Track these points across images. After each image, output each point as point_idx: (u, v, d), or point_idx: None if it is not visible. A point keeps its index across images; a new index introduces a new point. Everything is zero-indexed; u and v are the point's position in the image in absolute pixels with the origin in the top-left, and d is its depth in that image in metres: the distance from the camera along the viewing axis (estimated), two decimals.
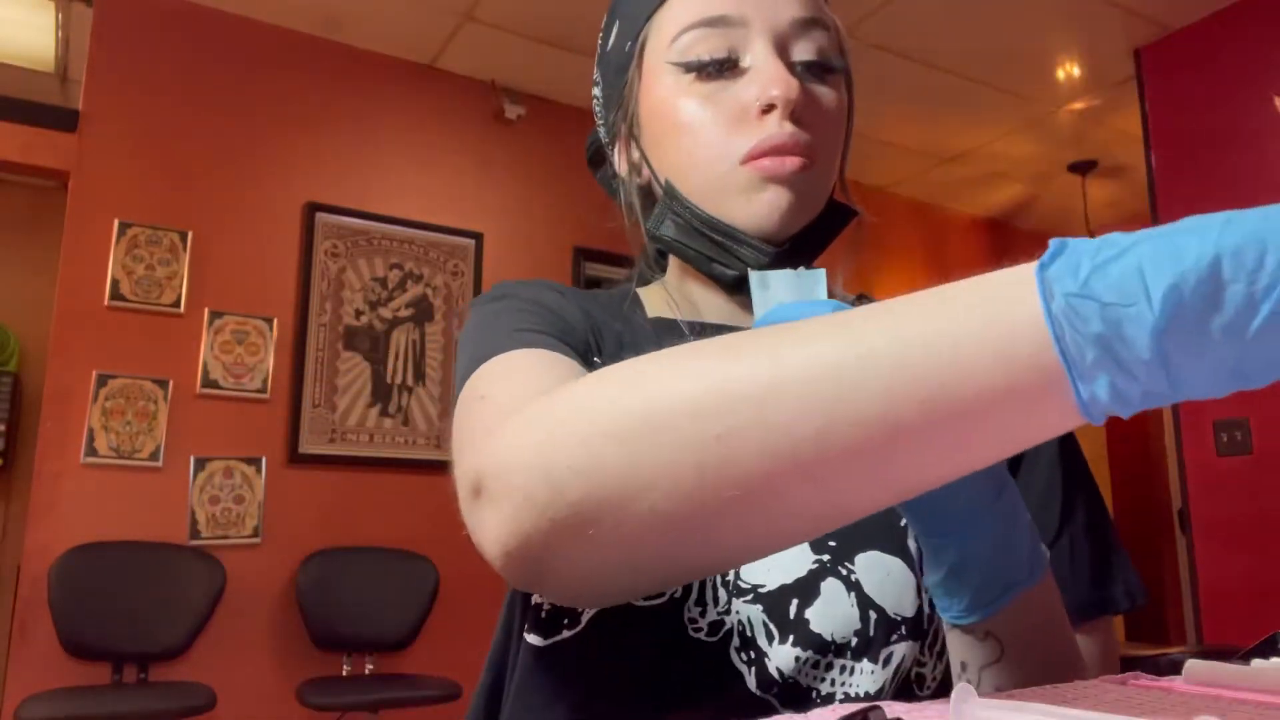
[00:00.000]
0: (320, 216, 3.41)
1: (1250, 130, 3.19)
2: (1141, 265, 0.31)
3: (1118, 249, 0.32)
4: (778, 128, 0.59)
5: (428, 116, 3.71)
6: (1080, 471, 0.64)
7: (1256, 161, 3.17)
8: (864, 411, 0.34)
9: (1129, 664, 0.53)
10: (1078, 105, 4.03)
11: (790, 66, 0.61)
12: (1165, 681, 0.42)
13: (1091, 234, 4.68)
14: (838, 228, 0.65)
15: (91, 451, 2.90)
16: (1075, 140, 4.37)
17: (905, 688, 0.55)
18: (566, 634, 0.57)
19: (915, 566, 0.57)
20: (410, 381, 3.48)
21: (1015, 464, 0.62)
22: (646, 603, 0.56)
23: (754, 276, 0.51)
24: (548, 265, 3.76)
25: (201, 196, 3.22)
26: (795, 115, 0.60)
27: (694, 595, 0.57)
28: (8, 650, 2.82)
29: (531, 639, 0.59)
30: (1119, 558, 0.62)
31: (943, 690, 0.56)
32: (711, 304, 0.67)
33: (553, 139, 3.84)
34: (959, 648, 0.49)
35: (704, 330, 0.66)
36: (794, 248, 0.62)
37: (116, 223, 3.06)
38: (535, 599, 0.59)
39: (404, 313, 3.52)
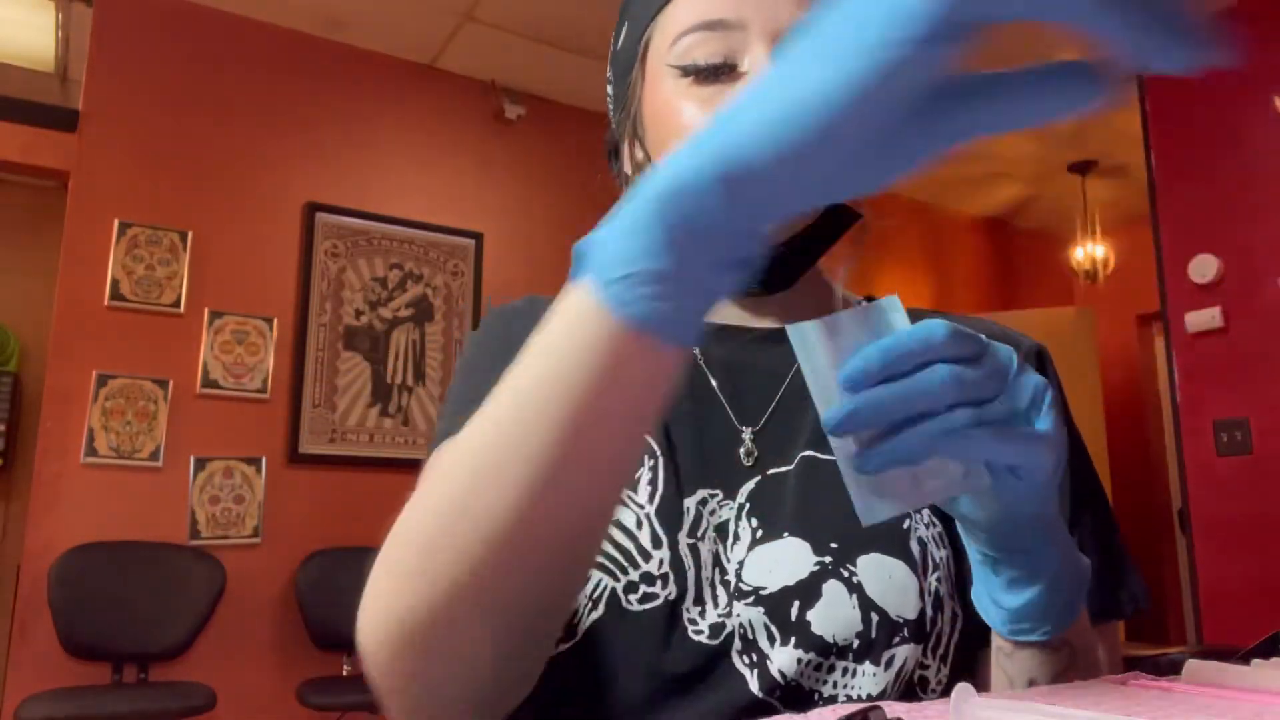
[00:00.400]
0: (320, 216, 3.41)
1: (1250, 130, 3.19)
2: (635, 218, 0.35)
3: (618, 215, 0.36)
4: None
5: (428, 116, 3.71)
6: (1087, 476, 0.64)
7: (1256, 161, 3.17)
8: (538, 451, 0.38)
9: (1129, 664, 0.53)
10: None
11: None
12: (1165, 681, 0.42)
13: (1092, 235, 4.69)
14: (839, 230, 0.65)
15: (91, 451, 2.90)
16: (1075, 140, 4.37)
17: (909, 691, 0.55)
18: (563, 647, 0.57)
19: (918, 569, 0.56)
20: (410, 381, 3.48)
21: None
22: (642, 607, 0.56)
23: (794, 332, 0.42)
24: (548, 265, 3.76)
25: (201, 196, 3.22)
26: None
27: (691, 594, 0.57)
28: (8, 650, 2.83)
29: None
30: (1125, 563, 0.62)
31: (948, 694, 0.55)
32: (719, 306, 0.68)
33: (553, 139, 3.84)
34: (1029, 665, 0.48)
35: (714, 334, 0.67)
36: (789, 251, 0.62)
37: (116, 223, 3.06)
38: None
39: (404, 313, 3.52)
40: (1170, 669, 0.43)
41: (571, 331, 0.37)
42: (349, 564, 3.16)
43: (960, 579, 0.58)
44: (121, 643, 2.79)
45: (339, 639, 3.09)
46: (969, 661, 0.58)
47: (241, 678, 2.97)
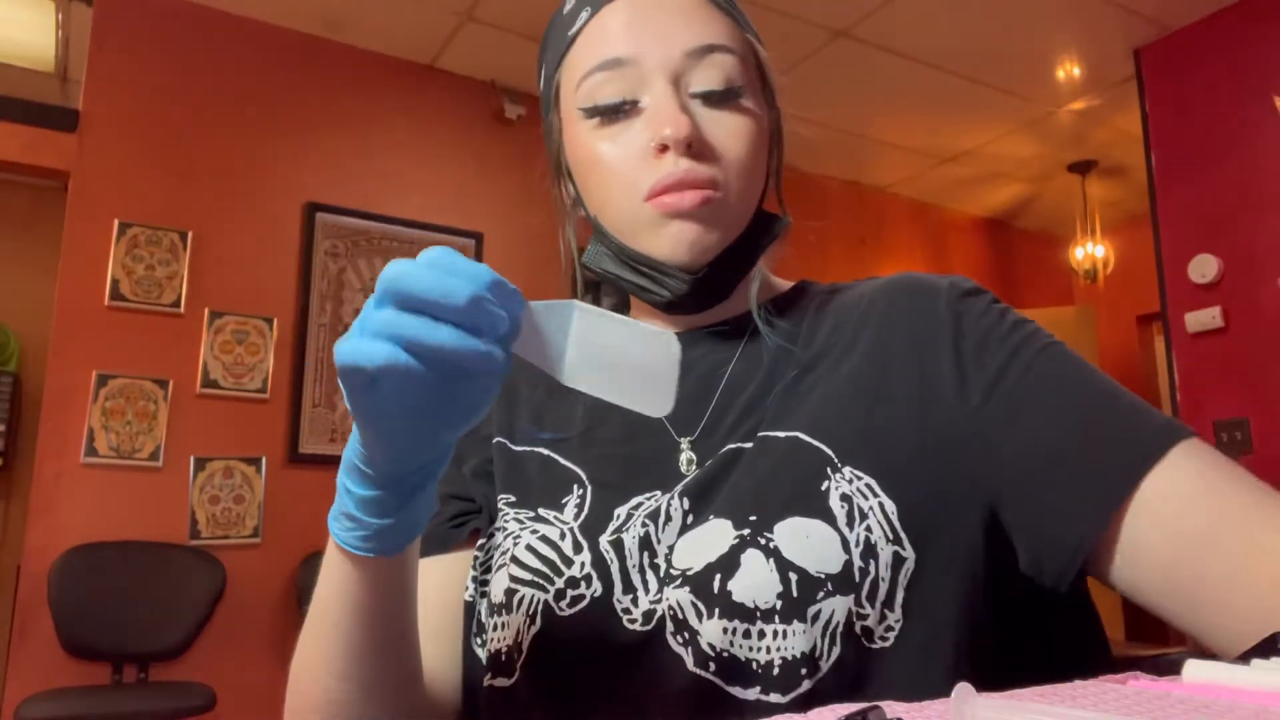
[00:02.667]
0: (320, 216, 3.41)
1: (1250, 130, 3.19)
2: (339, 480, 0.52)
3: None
4: (674, 165, 0.62)
5: (428, 116, 3.71)
6: (1074, 370, 0.60)
7: (1256, 161, 3.17)
8: (323, 636, 0.56)
9: (1129, 664, 0.53)
10: (1078, 105, 4.04)
11: (686, 100, 0.63)
12: (1165, 681, 0.42)
13: (1092, 235, 4.69)
14: (765, 240, 0.68)
15: (91, 451, 2.91)
16: (1075, 140, 4.37)
17: (849, 642, 0.54)
18: (504, 682, 0.61)
19: (838, 523, 0.56)
20: None
21: (1011, 428, 0.59)
22: (573, 610, 0.59)
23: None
24: (548, 265, 3.76)
25: (201, 196, 3.22)
26: (693, 150, 0.62)
27: (619, 585, 0.58)
28: (8, 650, 2.83)
29: (498, 682, 0.62)
30: (1125, 416, 0.57)
31: (901, 641, 0.55)
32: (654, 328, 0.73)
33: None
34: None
35: None
36: (714, 271, 0.65)
37: (116, 223, 3.06)
38: (486, 650, 0.64)
39: None
40: (1170, 669, 0.43)
41: (328, 550, 0.54)
42: None
43: (911, 520, 0.56)
44: (121, 643, 2.79)
45: None
46: (957, 599, 0.56)
47: (241, 678, 2.97)
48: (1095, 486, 0.55)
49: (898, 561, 0.56)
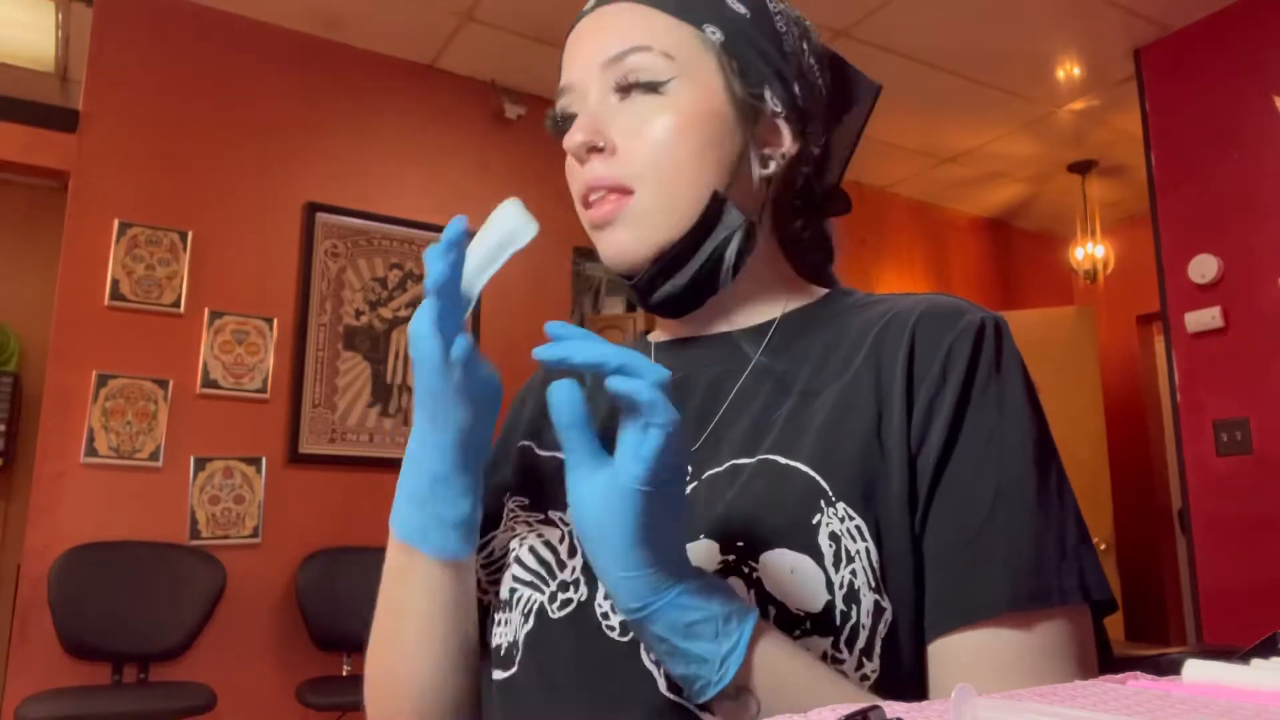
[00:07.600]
0: (320, 216, 3.41)
1: (1250, 130, 3.19)
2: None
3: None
4: (588, 172, 0.66)
5: (428, 116, 3.71)
6: (998, 467, 0.58)
7: (1256, 161, 3.17)
8: (383, 618, 0.65)
9: (1129, 664, 0.52)
10: (1078, 105, 4.04)
11: (605, 106, 0.65)
12: (1165, 681, 0.42)
13: (1092, 235, 4.69)
14: (723, 233, 0.65)
15: (91, 451, 2.91)
16: (1075, 140, 4.37)
17: None
18: (501, 675, 0.62)
19: (825, 562, 0.55)
20: (410, 381, 3.47)
21: (938, 475, 0.58)
22: (561, 612, 0.60)
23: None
24: (547, 265, 3.76)
25: (201, 196, 3.22)
26: (608, 150, 0.64)
27: (601, 590, 0.59)
28: (8, 650, 2.83)
29: (497, 675, 0.63)
30: (993, 550, 0.55)
31: (878, 688, 0.55)
32: (663, 324, 0.76)
33: (553, 139, 3.83)
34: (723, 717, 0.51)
35: (661, 348, 0.74)
36: (658, 274, 0.65)
37: (116, 223, 3.06)
38: (491, 644, 0.65)
39: (404, 313, 3.52)
40: (1170, 669, 0.43)
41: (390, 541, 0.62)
42: (349, 564, 3.16)
43: (884, 571, 0.56)
44: (121, 643, 2.79)
45: (339, 639, 3.09)
46: (917, 655, 0.56)
47: (241, 678, 2.97)
48: (934, 609, 0.56)
49: (878, 611, 0.55)
